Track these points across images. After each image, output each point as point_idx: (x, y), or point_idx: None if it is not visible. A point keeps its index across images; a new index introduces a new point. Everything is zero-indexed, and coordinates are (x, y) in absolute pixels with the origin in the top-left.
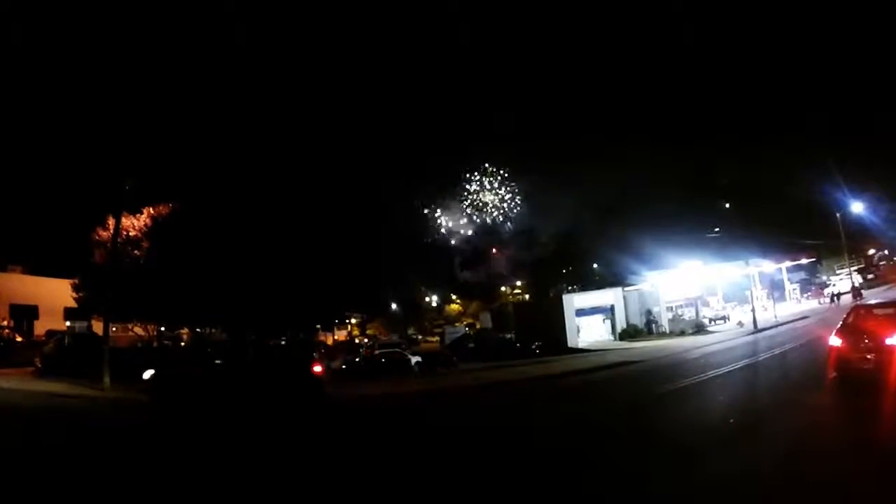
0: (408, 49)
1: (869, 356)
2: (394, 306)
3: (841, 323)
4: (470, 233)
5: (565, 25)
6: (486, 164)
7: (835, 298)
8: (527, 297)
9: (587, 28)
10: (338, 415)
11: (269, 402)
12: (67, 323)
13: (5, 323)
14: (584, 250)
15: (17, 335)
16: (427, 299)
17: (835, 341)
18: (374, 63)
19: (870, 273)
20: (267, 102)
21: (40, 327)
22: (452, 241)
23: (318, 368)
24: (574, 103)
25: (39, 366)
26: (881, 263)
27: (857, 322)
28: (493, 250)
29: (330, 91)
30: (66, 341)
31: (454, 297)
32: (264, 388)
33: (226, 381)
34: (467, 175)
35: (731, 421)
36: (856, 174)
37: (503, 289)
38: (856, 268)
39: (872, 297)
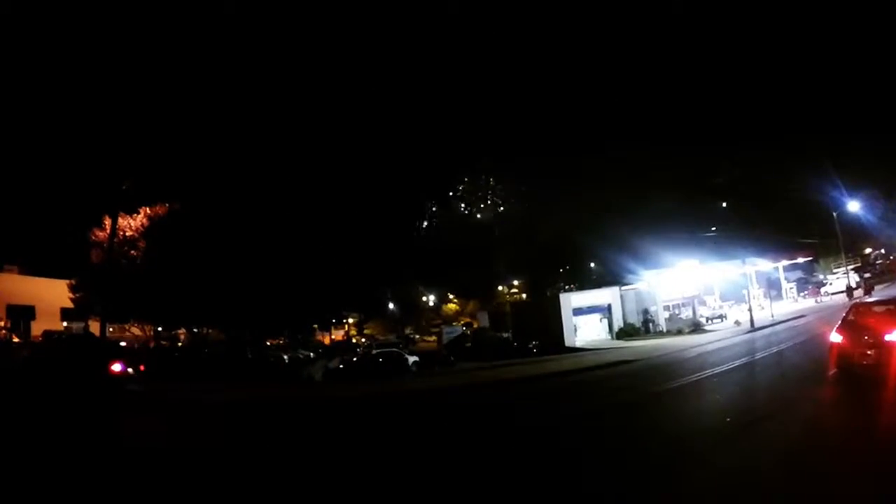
0: (406, 48)
1: (869, 352)
2: (391, 306)
3: (841, 320)
4: (468, 231)
5: (565, 24)
6: (485, 164)
7: (852, 292)
8: (524, 296)
9: (588, 27)
10: (132, 412)
11: (53, 399)
12: (64, 323)
13: (2, 323)
14: (581, 249)
15: (13, 336)
16: (424, 299)
17: (835, 338)
18: (373, 62)
19: (867, 272)
20: (264, 104)
21: (37, 328)
22: (451, 240)
23: (116, 367)
24: (573, 103)
25: None
26: (878, 262)
27: (857, 319)
28: (490, 249)
29: (328, 92)
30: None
31: (451, 296)
32: (52, 386)
33: (26, 379)
34: (466, 174)
35: (729, 419)
36: (852, 173)
37: (500, 288)
38: (852, 266)
39: (871, 294)
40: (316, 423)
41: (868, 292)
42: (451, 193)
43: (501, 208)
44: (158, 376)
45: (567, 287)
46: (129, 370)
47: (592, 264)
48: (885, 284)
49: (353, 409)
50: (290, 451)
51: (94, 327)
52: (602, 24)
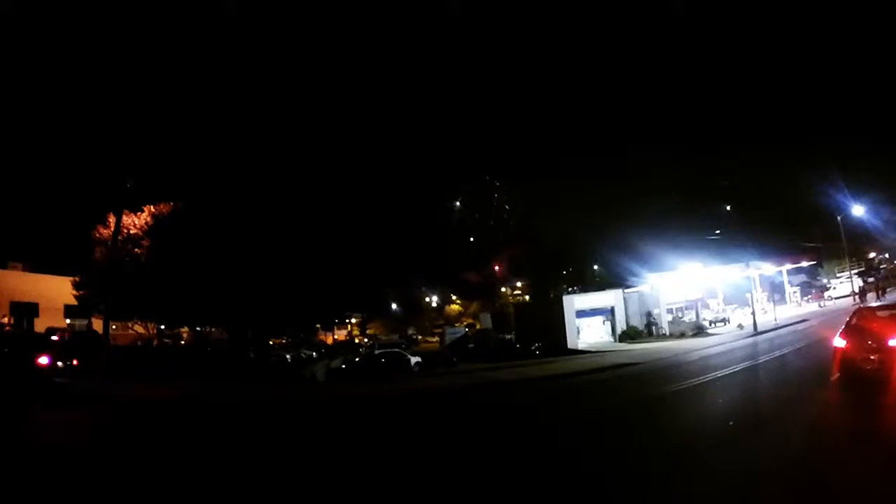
0: (409, 49)
1: (872, 357)
2: (394, 306)
3: (845, 324)
4: (472, 232)
5: (569, 25)
6: (489, 166)
7: (865, 295)
8: (527, 297)
9: (592, 30)
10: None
11: None
12: (68, 321)
13: (6, 320)
14: (584, 252)
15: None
16: (427, 299)
17: (839, 342)
18: (378, 62)
19: (870, 276)
20: (270, 101)
21: (40, 325)
22: (455, 240)
23: (43, 360)
24: (577, 105)
25: None
26: (882, 266)
27: (860, 323)
28: (494, 251)
29: (334, 92)
30: (67, 339)
31: (454, 297)
32: None
33: None
34: (470, 175)
35: (731, 423)
36: (857, 177)
37: (503, 289)
38: (856, 271)
39: (872, 299)
40: (293, 424)
41: (881, 295)
42: (455, 195)
43: (507, 211)
44: (157, 374)
45: (570, 289)
46: (59, 364)
47: (596, 266)
48: (891, 289)
49: (350, 409)
50: (214, 456)
51: (98, 325)
52: (605, 27)
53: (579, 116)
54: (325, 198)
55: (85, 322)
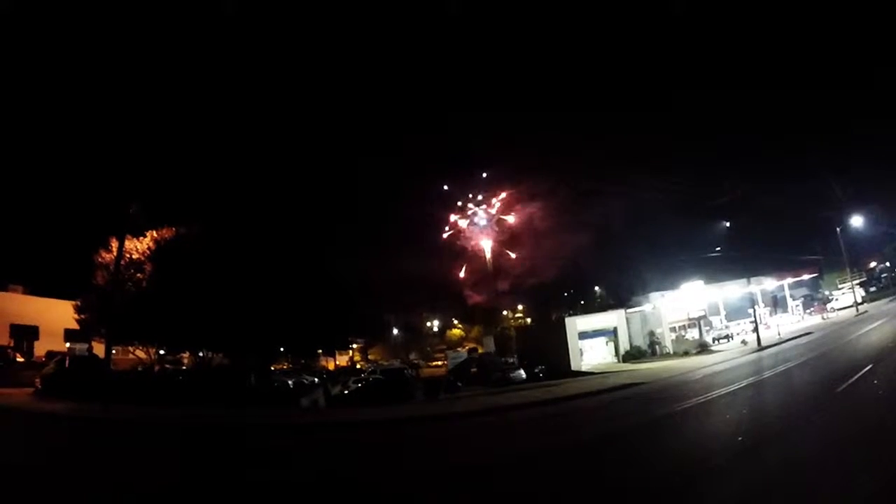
0: (414, 63)
1: None
2: (395, 331)
3: None
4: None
5: (570, 41)
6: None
7: None
8: (528, 320)
9: (591, 46)
10: None
11: None
12: (67, 344)
13: (7, 343)
14: (585, 273)
15: (17, 355)
16: (428, 324)
17: None
18: (380, 74)
19: (872, 286)
20: (275, 129)
21: (40, 348)
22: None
23: None
24: (575, 125)
25: (39, 387)
26: (883, 276)
27: None
28: (495, 275)
29: (340, 109)
30: (67, 363)
31: (455, 321)
32: None
33: None
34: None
35: (741, 438)
36: (855, 187)
37: (505, 313)
38: (858, 281)
39: (874, 309)
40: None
41: None
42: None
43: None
44: (156, 399)
45: (571, 311)
46: None
47: (597, 288)
48: (889, 299)
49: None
50: None
51: (98, 349)
52: (609, 42)
53: (580, 136)
54: (327, 224)
55: (85, 346)
